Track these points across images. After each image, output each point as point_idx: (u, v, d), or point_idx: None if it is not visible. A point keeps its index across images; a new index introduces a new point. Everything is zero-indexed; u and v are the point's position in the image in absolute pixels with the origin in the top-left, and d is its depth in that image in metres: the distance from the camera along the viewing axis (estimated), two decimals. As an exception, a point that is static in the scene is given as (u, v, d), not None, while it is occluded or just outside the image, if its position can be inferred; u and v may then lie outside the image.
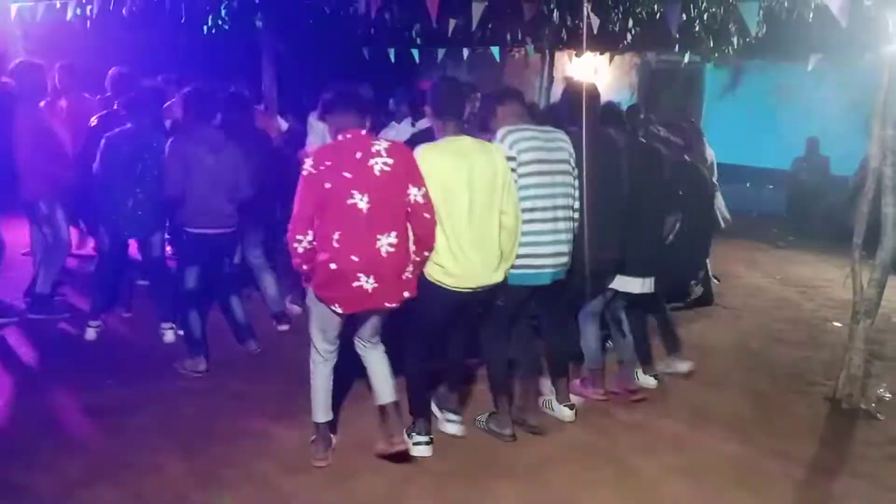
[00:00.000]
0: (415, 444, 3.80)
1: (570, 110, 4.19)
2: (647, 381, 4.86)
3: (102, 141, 4.90)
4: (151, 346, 5.17)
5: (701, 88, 13.18)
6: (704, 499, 3.60)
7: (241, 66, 7.35)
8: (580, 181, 4.01)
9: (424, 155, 3.59)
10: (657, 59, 12.90)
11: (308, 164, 3.38)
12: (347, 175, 3.35)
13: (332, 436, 3.82)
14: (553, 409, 4.34)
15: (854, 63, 8.98)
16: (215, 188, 4.67)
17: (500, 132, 3.87)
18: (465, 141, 3.71)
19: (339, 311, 3.47)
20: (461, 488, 3.55)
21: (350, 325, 3.67)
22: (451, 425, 4.06)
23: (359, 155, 3.40)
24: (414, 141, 4.20)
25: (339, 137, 3.48)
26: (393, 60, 9.62)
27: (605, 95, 4.66)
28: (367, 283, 3.39)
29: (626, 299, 4.64)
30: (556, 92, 7.01)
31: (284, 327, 5.65)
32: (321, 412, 3.75)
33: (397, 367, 3.86)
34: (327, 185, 3.34)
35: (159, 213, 5.03)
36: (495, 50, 9.41)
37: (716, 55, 10.35)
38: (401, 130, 5.90)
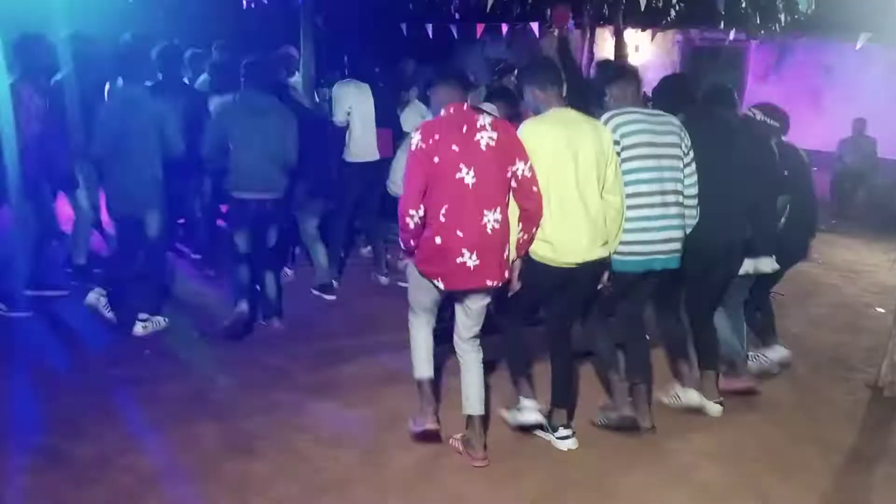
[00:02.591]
0: (559, 438, 3.72)
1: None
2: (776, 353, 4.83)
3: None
4: (188, 317, 5.21)
5: (744, 67, 12.89)
6: (738, 483, 3.54)
7: (279, 41, 7.32)
8: (698, 166, 3.87)
9: (531, 127, 3.54)
10: (700, 36, 12.63)
11: (416, 138, 3.36)
12: (455, 149, 3.32)
13: (433, 394, 3.75)
14: (680, 399, 4.20)
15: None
16: (260, 152, 4.67)
17: (605, 116, 3.75)
18: (570, 113, 3.61)
19: (441, 286, 3.45)
20: (492, 465, 3.52)
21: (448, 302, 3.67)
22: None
23: (464, 129, 3.36)
24: None
25: (443, 112, 3.45)
26: (431, 36, 9.54)
27: (645, 73, 4.56)
28: (471, 259, 3.35)
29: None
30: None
31: (332, 297, 5.68)
32: (423, 366, 3.70)
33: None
34: (436, 160, 3.31)
35: (155, 188, 4.80)
36: (535, 26, 9.28)
37: (762, 32, 10.10)
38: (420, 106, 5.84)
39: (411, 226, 3.37)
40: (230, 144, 4.66)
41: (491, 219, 3.35)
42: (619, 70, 4.03)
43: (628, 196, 3.67)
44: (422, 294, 3.60)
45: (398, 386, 4.24)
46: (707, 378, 4.20)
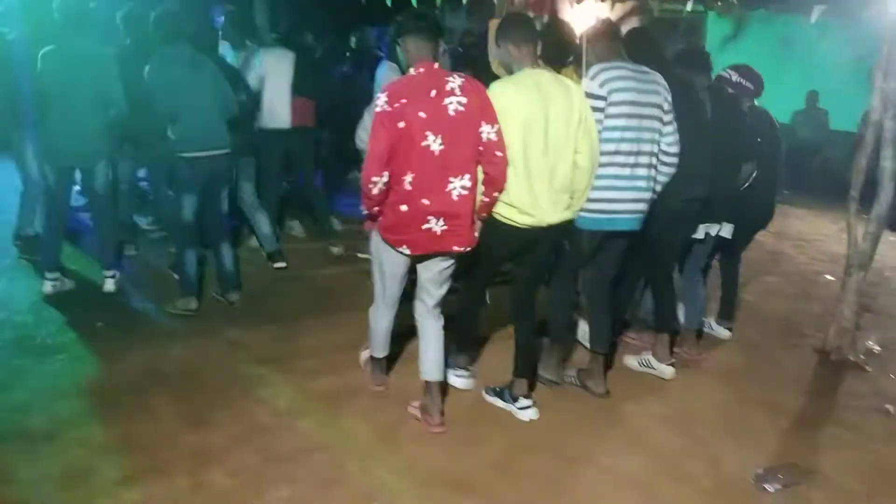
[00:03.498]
0: (520, 408, 3.73)
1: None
2: (722, 331, 4.99)
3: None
4: (143, 288, 5.14)
5: (702, 38, 12.96)
6: (690, 445, 3.63)
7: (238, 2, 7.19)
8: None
9: (501, 89, 3.41)
10: (660, 6, 12.66)
11: (382, 100, 3.20)
12: (422, 115, 3.19)
13: (385, 367, 3.94)
14: (653, 367, 4.30)
15: (858, 16, 8.80)
16: (204, 108, 4.59)
17: (594, 69, 3.67)
18: (544, 75, 3.49)
19: (407, 252, 3.37)
20: (450, 432, 3.56)
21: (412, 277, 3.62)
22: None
23: (433, 93, 3.22)
24: None
25: (413, 71, 3.30)
26: (389, 3, 9.40)
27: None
28: (437, 225, 3.29)
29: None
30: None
31: (281, 265, 5.64)
32: (380, 349, 3.83)
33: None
34: (401, 125, 3.18)
35: (101, 140, 4.74)
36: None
37: (719, 4, 10.15)
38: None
39: (374, 191, 3.24)
40: (175, 103, 4.53)
41: (458, 185, 3.27)
42: (600, 29, 3.92)
43: (605, 154, 3.60)
44: (388, 266, 3.50)
45: (355, 356, 4.23)
46: (661, 340, 4.30)
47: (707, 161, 4.05)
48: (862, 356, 4.83)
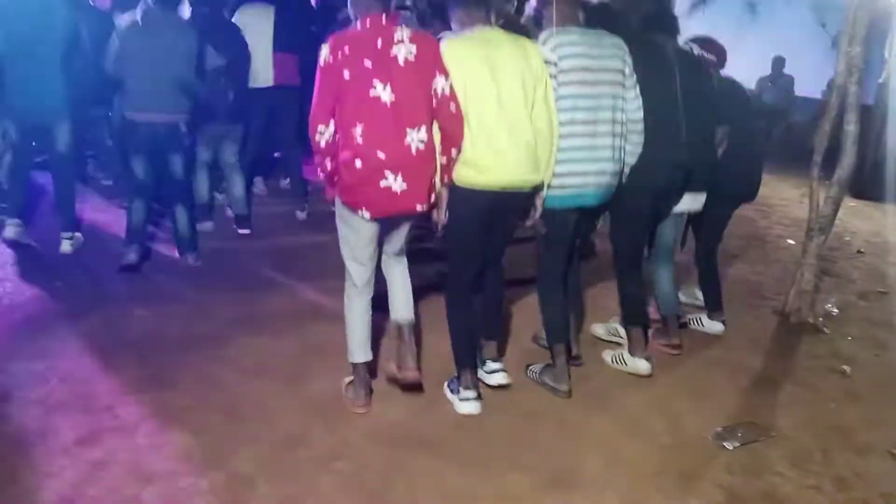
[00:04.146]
0: (462, 399, 3.49)
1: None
2: (714, 327, 4.66)
3: None
4: (102, 249, 5.05)
5: (671, 3, 12.94)
6: (652, 406, 3.69)
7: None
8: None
9: (450, 46, 3.29)
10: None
11: (324, 52, 3.09)
12: (367, 64, 3.05)
13: (370, 379, 3.51)
14: (626, 364, 4.03)
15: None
16: (155, 71, 4.46)
17: (544, 34, 3.53)
18: (494, 31, 3.39)
19: (367, 215, 3.19)
20: (412, 394, 3.57)
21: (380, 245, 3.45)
22: (496, 375, 3.69)
23: (380, 43, 3.09)
24: None
25: (359, 25, 3.17)
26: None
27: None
28: (395, 182, 3.11)
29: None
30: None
31: (245, 231, 5.58)
32: (359, 351, 3.43)
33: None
34: (346, 75, 3.05)
35: (64, 98, 4.65)
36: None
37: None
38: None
39: (322, 143, 3.12)
40: (126, 63, 4.45)
41: (415, 138, 3.12)
42: None
43: (561, 124, 3.47)
44: (353, 235, 3.33)
45: (322, 318, 4.23)
46: (634, 336, 4.05)
47: (682, 126, 3.90)
48: (820, 318, 4.94)
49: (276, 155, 6.89)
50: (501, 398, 3.61)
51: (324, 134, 3.11)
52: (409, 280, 3.54)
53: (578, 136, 3.51)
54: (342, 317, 4.12)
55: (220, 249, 5.23)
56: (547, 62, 3.44)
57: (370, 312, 3.45)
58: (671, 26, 4.23)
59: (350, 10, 3.30)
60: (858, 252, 6.77)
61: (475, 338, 3.64)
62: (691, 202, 4.19)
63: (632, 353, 4.02)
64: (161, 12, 4.52)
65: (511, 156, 3.28)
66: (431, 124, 3.19)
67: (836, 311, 5.17)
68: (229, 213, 5.83)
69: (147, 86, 4.48)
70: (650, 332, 4.31)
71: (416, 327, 3.58)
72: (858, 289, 5.74)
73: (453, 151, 3.24)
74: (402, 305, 3.50)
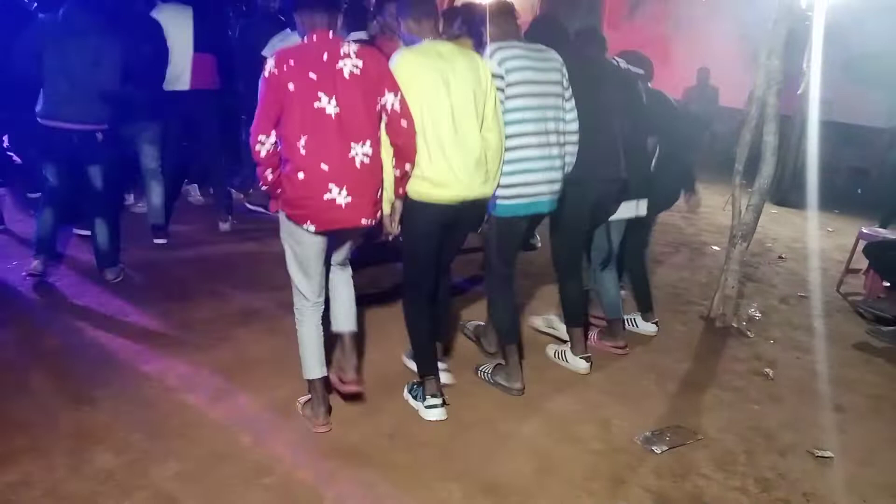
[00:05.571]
0: (427, 407, 3.52)
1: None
2: (648, 328, 4.82)
3: None
4: (20, 260, 4.86)
5: (600, 14, 13.22)
6: (583, 410, 3.74)
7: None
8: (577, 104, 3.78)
9: (402, 59, 3.32)
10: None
11: (269, 64, 3.07)
12: (312, 76, 3.06)
13: (328, 395, 3.44)
14: (567, 361, 4.17)
15: (746, -5, 9.18)
16: (73, 77, 4.32)
17: (490, 48, 3.60)
18: (446, 45, 3.43)
19: (312, 229, 3.15)
20: (347, 403, 3.54)
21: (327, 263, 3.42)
22: (441, 374, 3.70)
23: (325, 56, 3.10)
24: None
25: (305, 39, 3.18)
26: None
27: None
28: (340, 195, 3.10)
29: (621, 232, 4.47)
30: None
31: (161, 241, 5.44)
32: (315, 367, 3.36)
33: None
34: (290, 87, 3.03)
35: None
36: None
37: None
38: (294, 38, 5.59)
39: (262, 154, 3.08)
40: (43, 66, 4.28)
41: (360, 152, 3.13)
42: (494, 8, 3.87)
43: (511, 136, 3.55)
44: (300, 251, 3.28)
45: (250, 331, 4.17)
46: (576, 335, 4.16)
47: (617, 139, 4.03)
48: (744, 323, 5.09)
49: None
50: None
51: (264, 144, 3.07)
52: (352, 290, 3.54)
53: (531, 146, 3.60)
54: (270, 329, 4.11)
55: (143, 260, 5.08)
56: (494, 76, 3.52)
57: (321, 329, 3.40)
58: (601, 41, 4.38)
59: (298, 27, 3.30)
60: (780, 258, 7.02)
61: (435, 345, 3.67)
62: (635, 208, 4.36)
63: (574, 352, 4.16)
64: (84, 12, 4.36)
65: (465, 171, 3.35)
66: (378, 139, 3.22)
67: (759, 315, 5.34)
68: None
69: (64, 91, 4.32)
70: (597, 333, 4.51)
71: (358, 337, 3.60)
72: (780, 293, 5.95)
73: (407, 166, 3.28)
74: (344, 315, 3.50)
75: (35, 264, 4.55)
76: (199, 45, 5.54)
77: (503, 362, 3.86)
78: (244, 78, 5.97)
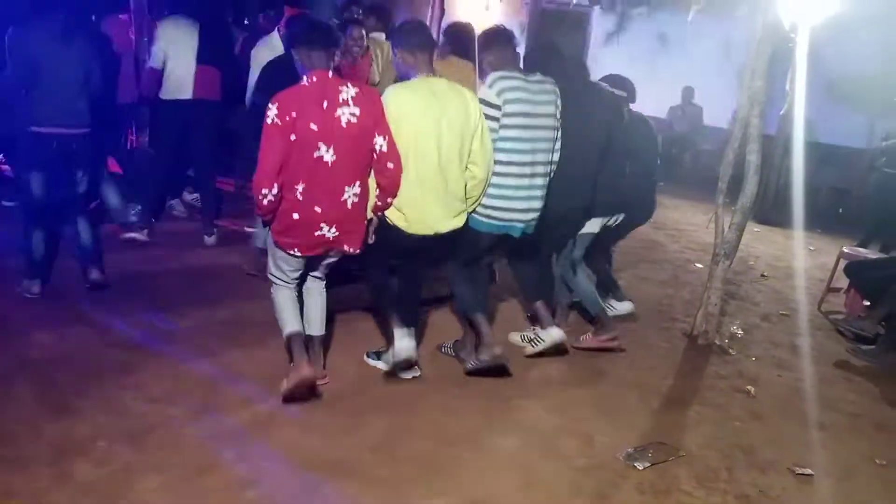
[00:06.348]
0: (398, 339, 3.78)
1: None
2: (625, 306, 5.19)
3: None
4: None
5: (587, 32, 13.36)
6: (565, 426, 3.75)
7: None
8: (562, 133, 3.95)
9: (396, 95, 3.45)
10: (547, -1, 12.96)
11: (272, 112, 3.20)
12: (314, 127, 3.22)
13: (305, 349, 3.61)
14: (541, 339, 4.33)
15: (731, 17, 9.29)
16: (66, 82, 4.33)
17: (491, 77, 3.73)
18: (440, 83, 3.55)
19: (298, 254, 3.44)
20: (330, 416, 3.54)
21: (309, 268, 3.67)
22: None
23: (325, 104, 3.25)
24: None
25: (305, 81, 3.31)
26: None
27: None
28: (329, 231, 3.38)
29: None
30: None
31: (134, 235, 5.53)
32: (292, 320, 3.60)
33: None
34: (292, 137, 3.21)
35: None
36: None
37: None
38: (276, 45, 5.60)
39: (265, 203, 3.29)
40: (32, 74, 4.26)
41: (351, 193, 3.38)
42: (493, 35, 3.96)
43: (500, 164, 3.69)
44: (282, 262, 3.54)
45: (235, 341, 4.16)
46: (540, 307, 4.34)
47: (592, 170, 4.21)
48: (726, 340, 5.14)
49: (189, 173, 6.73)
50: (415, 421, 3.61)
51: (267, 196, 3.27)
52: (324, 296, 3.77)
53: (515, 176, 3.75)
54: (256, 341, 4.12)
55: (127, 269, 5.06)
56: (490, 104, 3.65)
57: (296, 296, 3.67)
58: (583, 69, 4.51)
59: (297, 62, 3.41)
60: (762, 276, 7.08)
61: (395, 297, 3.91)
62: (599, 224, 4.59)
63: (542, 327, 4.31)
64: (73, 22, 4.36)
65: (440, 211, 3.55)
66: (367, 177, 3.44)
67: (741, 332, 5.39)
68: (138, 236, 5.70)
69: (58, 97, 4.32)
70: (590, 335, 4.68)
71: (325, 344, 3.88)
72: (762, 311, 6.00)
73: (389, 199, 3.51)
74: (316, 321, 3.73)
75: (30, 286, 4.50)
76: (204, 58, 5.60)
77: (477, 336, 4.01)
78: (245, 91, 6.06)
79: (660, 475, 3.42)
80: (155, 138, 6.16)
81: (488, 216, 3.79)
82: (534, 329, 4.48)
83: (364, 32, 5.18)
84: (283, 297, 3.65)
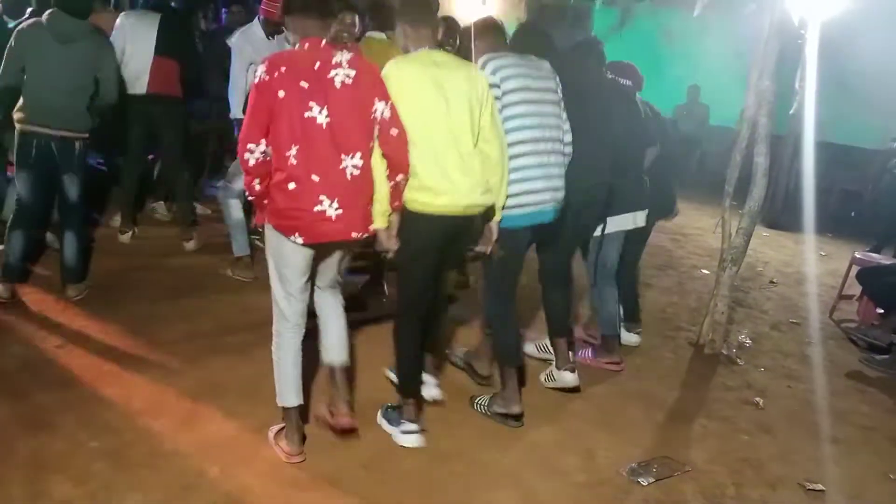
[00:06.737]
0: (403, 432, 3.55)
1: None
2: (631, 339, 5.03)
3: None
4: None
5: (588, 27, 13.38)
6: (566, 440, 3.75)
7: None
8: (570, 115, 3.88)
9: (395, 67, 3.34)
10: (547, -7, 12.98)
11: (260, 70, 3.09)
12: (304, 84, 3.08)
13: (303, 424, 3.44)
14: (555, 379, 4.21)
15: (738, 12, 9.33)
16: (61, 84, 4.33)
17: (482, 59, 3.67)
18: (441, 54, 3.46)
19: (300, 241, 3.16)
20: (320, 432, 3.52)
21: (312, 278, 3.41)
22: (430, 388, 3.85)
23: (317, 65, 3.13)
24: None
25: (297, 46, 3.21)
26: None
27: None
28: (331, 208, 3.13)
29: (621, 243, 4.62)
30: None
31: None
32: (291, 394, 3.33)
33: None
34: (281, 94, 3.06)
35: None
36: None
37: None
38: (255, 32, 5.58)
39: (251, 162, 3.10)
40: (26, 73, 4.29)
41: (350, 164, 3.17)
42: (484, 24, 3.96)
43: (513, 144, 3.59)
44: (283, 264, 3.29)
45: (219, 353, 4.15)
46: (559, 345, 4.20)
47: (607, 149, 4.13)
48: (734, 350, 5.15)
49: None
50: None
51: (254, 152, 3.09)
52: (343, 318, 3.52)
53: (529, 154, 3.65)
54: (241, 352, 4.10)
55: (109, 278, 5.05)
56: (491, 85, 3.57)
57: (300, 354, 3.36)
58: (599, 55, 4.49)
59: (289, 35, 3.33)
60: (771, 282, 7.10)
61: (421, 369, 3.72)
62: (632, 220, 4.52)
63: (558, 366, 4.20)
64: (69, 18, 4.36)
65: (463, 181, 3.36)
66: (368, 151, 3.24)
67: (749, 342, 5.40)
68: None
69: (48, 97, 4.33)
70: (591, 351, 4.66)
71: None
72: (771, 319, 6.02)
73: (400, 177, 3.29)
74: (335, 346, 3.47)
75: (3, 291, 4.50)
76: (161, 48, 5.56)
77: (499, 388, 3.88)
78: (211, 88, 6.12)
79: (665, 492, 3.42)
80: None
81: (518, 205, 3.64)
82: (549, 367, 4.33)
83: (356, 19, 5.18)
84: (286, 354, 3.34)
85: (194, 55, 5.99)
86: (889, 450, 4.11)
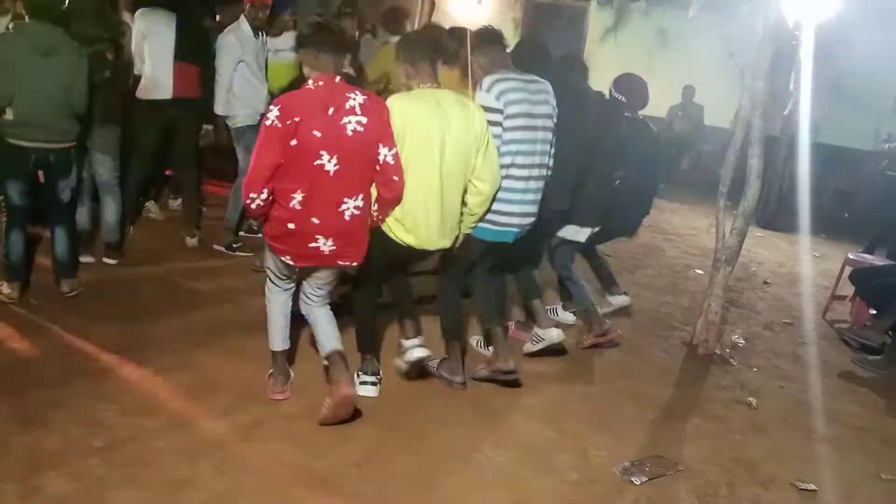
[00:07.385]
0: (361, 383, 3.83)
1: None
2: (567, 316, 5.27)
3: None
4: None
5: (584, 28, 13.39)
6: (560, 440, 3.76)
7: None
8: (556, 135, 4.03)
9: (401, 105, 3.45)
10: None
11: (273, 114, 3.16)
12: (317, 134, 3.18)
13: (289, 368, 3.84)
14: (542, 338, 4.48)
15: (732, 13, 9.35)
16: (46, 96, 4.29)
17: (488, 80, 3.75)
18: (445, 94, 3.57)
19: (290, 262, 3.43)
20: (315, 430, 3.53)
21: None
22: (416, 350, 4.04)
23: (331, 111, 3.22)
24: None
25: (311, 84, 3.28)
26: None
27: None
28: (325, 244, 3.34)
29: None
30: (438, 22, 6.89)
31: (112, 262, 5.32)
32: (278, 340, 3.72)
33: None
34: (293, 143, 3.16)
35: None
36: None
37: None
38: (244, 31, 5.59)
39: (253, 207, 3.26)
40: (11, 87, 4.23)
41: (351, 205, 3.34)
42: (483, 35, 3.99)
43: (502, 167, 3.73)
44: (277, 264, 3.55)
45: (214, 350, 4.16)
46: (535, 308, 4.56)
47: (576, 174, 4.29)
48: (727, 349, 5.17)
49: (167, 173, 6.71)
50: (403, 435, 3.62)
51: (255, 200, 3.24)
52: (332, 317, 3.70)
53: (514, 178, 3.80)
54: (235, 350, 4.11)
55: (102, 276, 5.04)
56: (492, 109, 3.68)
57: (289, 306, 3.70)
58: (583, 68, 4.56)
59: (303, 66, 3.40)
60: (765, 283, 7.12)
61: (377, 327, 4.11)
62: (575, 233, 4.72)
63: (541, 325, 4.49)
64: (41, 26, 4.31)
65: (436, 227, 3.60)
66: (369, 190, 3.42)
67: (743, 342, 5.42)
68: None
69: (40, 110, 4.30)
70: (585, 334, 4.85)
71: (292, 353, 3.97)
72: (764, 320, 6.04)
73: (389, 210, 3.52)
74: (329, 337, 3.64)
75: (12, 291, 4.50)
76: (182, 53, 5.55)
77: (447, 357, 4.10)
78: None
79: (657, 491, 3.43)
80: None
81: (489, 220, 3.82)
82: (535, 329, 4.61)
83: (355, 24, 5.21)
84: (276, 305, 3.69)
85: (211, 58, 5.98)
86: (880, 450, 4.14)
